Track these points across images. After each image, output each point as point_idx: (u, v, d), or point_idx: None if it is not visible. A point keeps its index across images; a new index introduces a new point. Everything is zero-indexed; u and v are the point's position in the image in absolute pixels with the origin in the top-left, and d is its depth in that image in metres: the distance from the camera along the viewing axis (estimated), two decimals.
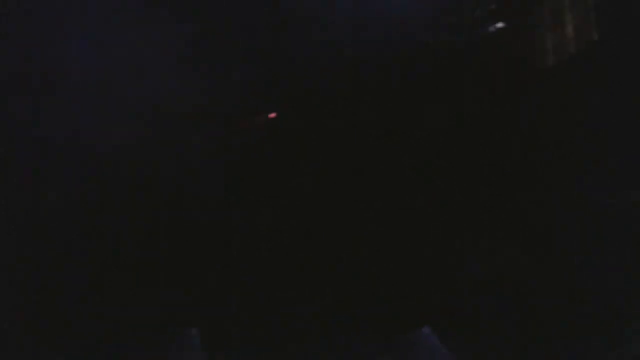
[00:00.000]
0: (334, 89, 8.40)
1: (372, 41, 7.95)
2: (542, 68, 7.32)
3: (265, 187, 8.72)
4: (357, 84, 8.24)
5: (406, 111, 8.40)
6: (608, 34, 7.55)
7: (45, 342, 5.20)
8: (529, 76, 7.92)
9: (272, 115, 7.55)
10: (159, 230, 8.44)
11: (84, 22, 7.57)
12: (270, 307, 8.14)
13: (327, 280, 8.78)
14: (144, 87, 7.82)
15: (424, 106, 8.28)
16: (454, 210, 8.68)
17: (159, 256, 8.31)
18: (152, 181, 8.29)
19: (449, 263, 8.46)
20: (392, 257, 8.50)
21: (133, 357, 7.60)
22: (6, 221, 7.53)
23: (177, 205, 8.55)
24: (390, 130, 8.47)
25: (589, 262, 8.14)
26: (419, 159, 8.79)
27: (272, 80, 8.39)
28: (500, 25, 7.44)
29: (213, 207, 8.58)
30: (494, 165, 8.75)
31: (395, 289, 8.35)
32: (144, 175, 8.31)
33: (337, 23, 8.16)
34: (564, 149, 8.60)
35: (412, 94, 8.43)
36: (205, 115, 8.05)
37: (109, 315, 8.04)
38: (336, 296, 8.53)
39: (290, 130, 8.57)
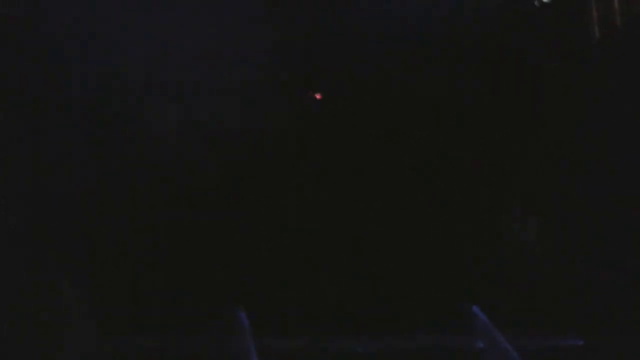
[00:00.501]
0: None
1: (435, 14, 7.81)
2: (591, 39, 7.26)
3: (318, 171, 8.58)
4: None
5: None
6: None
7: (106, 328, 5.25)
8: (579, 49, 7.80)
9: (318, 96, 7.51)
10: (214, 217, 8.37)
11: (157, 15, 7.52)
12: (325, 289, 8.08)
13: (373, 261, 8.66)
14: (214, 72, 7.80)
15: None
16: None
17: (213, 241, 8.28)
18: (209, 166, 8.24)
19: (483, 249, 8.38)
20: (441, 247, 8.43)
21: (187, 338, 7.58)
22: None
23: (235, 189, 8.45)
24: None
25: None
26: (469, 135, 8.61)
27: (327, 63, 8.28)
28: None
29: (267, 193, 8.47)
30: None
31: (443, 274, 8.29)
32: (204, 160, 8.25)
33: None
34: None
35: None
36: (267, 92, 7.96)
37: (163, 298, 8.02)
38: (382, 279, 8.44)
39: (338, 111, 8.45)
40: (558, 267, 8.63)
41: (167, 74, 8.87)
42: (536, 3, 8.00)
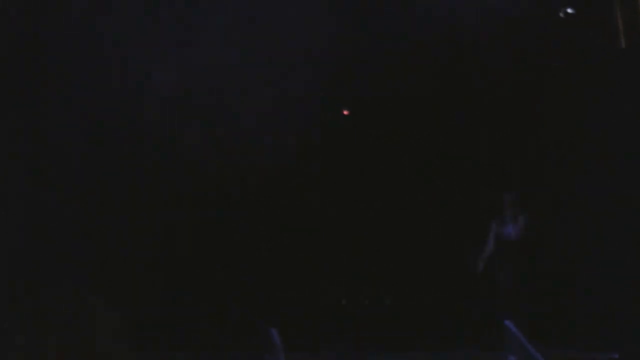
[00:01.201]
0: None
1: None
2: (616, 48, 7.22)
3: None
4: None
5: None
6: None
7: (139, 343, 5.24)
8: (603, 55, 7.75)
9: (346, 112, 7.49)
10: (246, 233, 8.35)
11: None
12: (355, 304, 8.00)
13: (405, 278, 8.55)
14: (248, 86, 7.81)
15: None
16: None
17: (244, 260, 8.27)
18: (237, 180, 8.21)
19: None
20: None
21: (220, 354, 7.55)
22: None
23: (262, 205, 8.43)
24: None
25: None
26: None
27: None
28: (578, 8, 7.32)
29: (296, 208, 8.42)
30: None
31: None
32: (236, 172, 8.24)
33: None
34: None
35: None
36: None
37: (196, 317, 8.00)
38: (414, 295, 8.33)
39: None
40: (592, 282, 8.50)
41: (195, 89, 8.94)
42: (561, 14, 7.98)
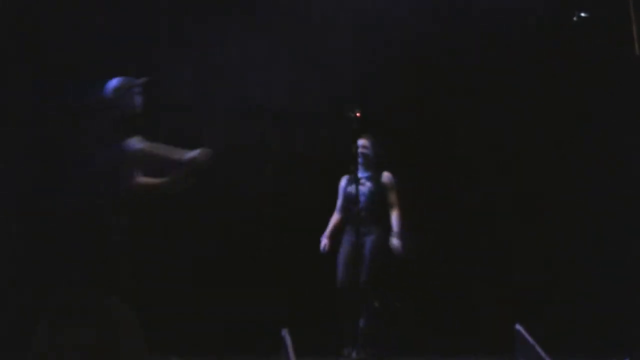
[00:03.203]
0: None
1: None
2: (631, 54, 7.23)
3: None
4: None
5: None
6: None
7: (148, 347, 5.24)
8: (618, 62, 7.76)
9: (358, 114, 7.50)
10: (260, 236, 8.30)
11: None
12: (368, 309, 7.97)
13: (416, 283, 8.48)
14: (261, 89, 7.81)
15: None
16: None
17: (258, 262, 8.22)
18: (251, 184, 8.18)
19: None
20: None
21: (231, 357, 7.52)
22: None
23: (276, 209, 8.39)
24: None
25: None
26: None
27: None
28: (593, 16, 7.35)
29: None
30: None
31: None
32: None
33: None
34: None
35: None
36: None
37: (205, 316, 7.96)
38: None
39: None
40: (604, 287, 8.50)
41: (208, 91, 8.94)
42: (575, 18, 7.98)
